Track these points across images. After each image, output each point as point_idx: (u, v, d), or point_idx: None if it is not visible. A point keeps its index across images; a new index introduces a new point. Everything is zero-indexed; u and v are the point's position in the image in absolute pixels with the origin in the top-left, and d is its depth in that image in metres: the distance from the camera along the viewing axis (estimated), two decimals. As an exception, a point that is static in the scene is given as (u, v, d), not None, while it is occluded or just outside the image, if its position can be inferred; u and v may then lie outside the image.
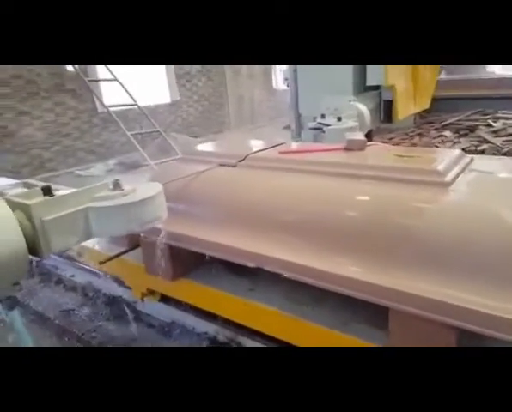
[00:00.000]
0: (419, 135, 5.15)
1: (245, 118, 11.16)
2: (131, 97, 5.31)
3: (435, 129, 5.13)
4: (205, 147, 2.15)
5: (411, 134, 5.62)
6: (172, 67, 8.68)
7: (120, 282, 2.02)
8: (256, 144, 2.09)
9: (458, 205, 1.25)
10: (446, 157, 1.51)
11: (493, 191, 1.29)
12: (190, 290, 1.68)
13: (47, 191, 1.22)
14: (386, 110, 3.99)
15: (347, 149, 1.77)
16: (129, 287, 1.96)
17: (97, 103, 6.70)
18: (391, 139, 6.13)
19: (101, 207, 1.19)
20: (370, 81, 3.74)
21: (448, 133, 4.86)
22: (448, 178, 1.35)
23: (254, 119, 11.40)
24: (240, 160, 1.79)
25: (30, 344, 1.34)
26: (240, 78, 11.02)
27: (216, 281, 1.64)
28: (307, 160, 1.65)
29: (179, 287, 1.70)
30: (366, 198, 1.38)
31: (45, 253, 1.10)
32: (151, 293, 1.85)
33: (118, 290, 2.12)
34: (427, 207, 1.24)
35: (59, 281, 2.52)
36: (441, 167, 1.38)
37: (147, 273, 1.74)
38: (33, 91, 6.28)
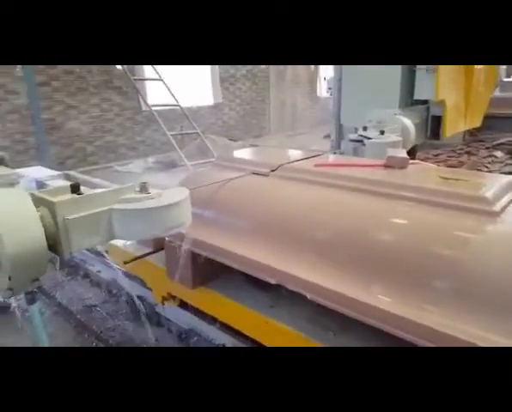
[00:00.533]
0: (468, 153, 4.90)
1: (285, 124, 11.10)
2: (174, 98, 5.39)
3: (486, 148, 4.86)
4: (239, 153, 2.11)
5: (458, 151, 5.35)
6: (217, 69, 8.78)
7: (143, 283, 2.01)
8: (291, 154, 2.03)
9: (507, 237, 1.12)
10: (496, 183, 1.38)
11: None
12: (209, 300, 1.63)
13: (75, 189, 1.22)
14: (433, 126, 3.81)
15: (387, 166, 1.67)
16: (150, 289, 1.94)
17: (141, 101, 6.86)
18: (436, 155, 5.87)
19: (125, 209, 1.16)
20: (418, 95, 3.60)
21: (499, 153, 4.59)
22: (497, 206, 1.23)
23: (295, 126, 11.31)
24: (272, 170, 1.74)
25: (45, 340, 1.34)
26: (284, 83, 10.98)
27: (237, 293, 1.58)
28: (343, 175, 1.57)
29: (198, 296, 1.66)
30: (404, 222, 1.28)
31: (66, 252, 1.08)
32: (172, 297, 1.82)
33: (140, 291, 2.10)
34: (472, 237, 1.13)
35: (86, 275, 2.56)
36: (489, 194, 1.27)
37: (168, 277, 1.71)
38: (83, 86, 6.52)
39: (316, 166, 1.73)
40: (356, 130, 3.47)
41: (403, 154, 1.76)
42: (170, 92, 5.39)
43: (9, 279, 0.98)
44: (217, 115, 8.96)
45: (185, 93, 7.10)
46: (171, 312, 1.97)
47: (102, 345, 1.90)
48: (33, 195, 1.12)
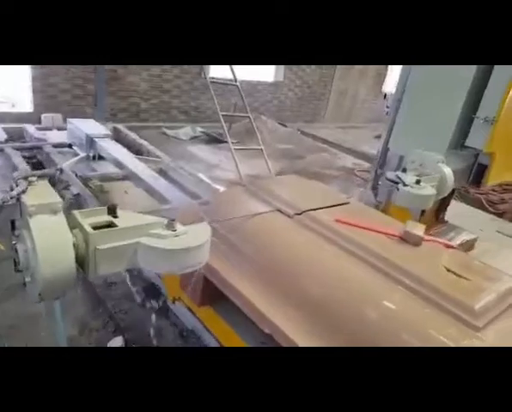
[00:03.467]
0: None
1: (342, 114, 10.87)
2: (234, 76, 5.46)
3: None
4: (272, 183, 2.21)
5: (504, 187, 5.28)
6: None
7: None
8: (321, 195, 2.12)
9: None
10: (496, 289, 1.43)
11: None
12: (212, 320, 1.80)
13: (112, 211, 1.37)
14: (477, 173, 3.73)
15: (402, 239, 1.74)
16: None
17: (203, 69, 6.92)
18: (479, 187, 5.76)
19: (149, 246, 1.31)
20: (470, 142, 3.53)
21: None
22: (480, 322, 1.26)
23: (351, 117, 11.06)
24: (297, 214, 1.84)
25: (63, 336, 1.49)
26: (350, 72, 10.67)
27: (237, 321, 1.70)
28: (355, 241, 1.65)
29: (203, 312, 1.83)
30: (391, 308, 1.37)
31: (92, 274, 1.23)
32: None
33: (158, 280, 2.30)
34: (444, 346, 1.20)
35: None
36: (478, 306, 1.30)
37: (180, 287, 1.89)
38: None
39: (336, 221, 1.81)
40: (400, 158, 3.47)
41: (420, 231, 1.80)
42: (231, 70, 5.46)
43: (39, 294, 1.16)
44: (275, 93, 8.91)
45: (247, 66, 7.08)
46: (179, 308, 2.16)
47: (113, 323, 2.12)
48: (71, 216, 1.23)
